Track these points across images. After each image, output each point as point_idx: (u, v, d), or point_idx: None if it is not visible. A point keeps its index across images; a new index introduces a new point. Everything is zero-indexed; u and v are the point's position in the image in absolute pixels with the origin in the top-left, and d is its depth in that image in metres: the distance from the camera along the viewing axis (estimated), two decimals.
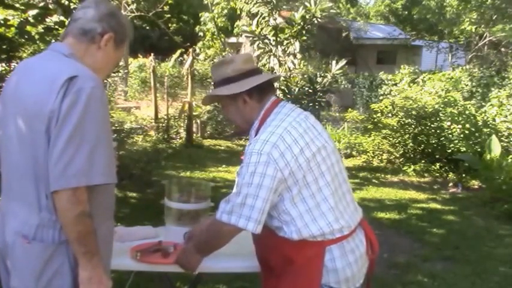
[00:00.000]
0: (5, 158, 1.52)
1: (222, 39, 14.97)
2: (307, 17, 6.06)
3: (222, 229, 1.66)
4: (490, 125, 7.57)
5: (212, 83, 1.87)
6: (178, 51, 13.20)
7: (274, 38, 6.18)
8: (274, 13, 6.24)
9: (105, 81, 7.89)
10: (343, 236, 1.70)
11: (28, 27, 4.66)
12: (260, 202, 1.59)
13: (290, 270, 1.69)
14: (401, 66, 12.93)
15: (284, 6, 7.63)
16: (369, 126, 8.74)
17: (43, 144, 1.36)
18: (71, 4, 4.63)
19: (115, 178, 1.45)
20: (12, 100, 1.48)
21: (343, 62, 6.11)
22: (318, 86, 5.96)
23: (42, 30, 4.82)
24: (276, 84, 1.93)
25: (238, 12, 9.87)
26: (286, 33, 6.28)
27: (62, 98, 1.34)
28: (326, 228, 1.66)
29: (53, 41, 7.08)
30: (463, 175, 7.23)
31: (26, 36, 4.74)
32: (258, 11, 6.31)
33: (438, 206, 6.05)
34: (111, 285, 1.46)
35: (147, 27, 19.65)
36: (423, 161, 7.90)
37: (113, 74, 7.78)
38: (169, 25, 20.43)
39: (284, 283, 1.71)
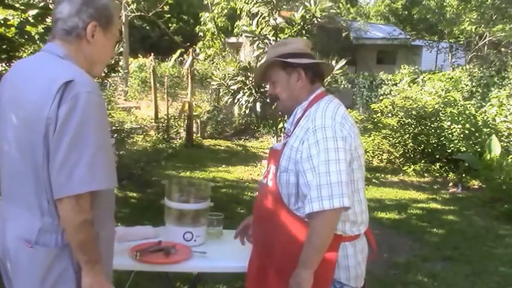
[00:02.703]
0: (4, 163, 1.49)
1: (222, 39, 14.97)
2: (307, 17, 6.06)
3: (329, 218, 1.57)
4: (490, 125, 7.58)
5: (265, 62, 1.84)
6: (178, 51, 13.22)
7: (274, 38, 6.18)
8: (274, 13, 6.23)
9: (105, 81, 7.89)
10: (357, 235, 1.73)
11: (28, 27, 4.66)
12: (347, 176, 1.59)
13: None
14: (402, 66, 12.92)
15: (284, 6, 7.62)
16: (368, 126, 8.74)
17: (41, 149, 1.34)
18: None
19: (116, 182, 1.44)
20: (10, 103, 1.45)
21: (343, 62, 6.11)
22: None
23: (42, 30, 4.82)
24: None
25: (238, 12, 9.88)
26: (286, 33, 6.28)
27: (58, 103, 1.32)
28: (352, 217, 1.68)
29: None
30: (463, 175, 7.23)
31: (26, 36, 4.74)
32: (258, 11, 6.31)
33: (438, 206, 6.06)
34: None
35: (147, 27, 19.65)
36: (423, 161, 7.90)
37: (112, 74, 7.77)
38: (169, 25, 20.43)
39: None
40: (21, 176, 1.42)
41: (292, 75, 1.76)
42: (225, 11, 14.41)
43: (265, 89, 6.43)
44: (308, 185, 1.59)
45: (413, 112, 8.12)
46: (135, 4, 11.45)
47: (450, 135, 7.51)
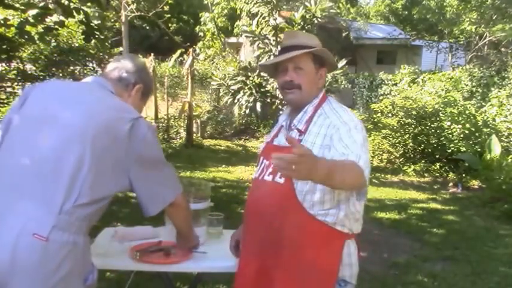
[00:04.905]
0: (24, 155, 1.49)
1: (222, 39, 14.95)
2: (307, 17, 6.07)
3: (360, 173, 1.55)
4: (490, 125, 7.58)
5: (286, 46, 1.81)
6: (178, 51, 13.17)
7: (274, 38, 6.18)
8: (274, 13, 6.24)
9: None
10: (353, 234, 1.73)
11: (28, 27, 4.66)
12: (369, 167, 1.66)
13: (314, 265, 1.65)
14: (401, 66, 12.92)
15: (284, 6, 7.63)
16: (369, 126, 8.74)
17: (110, 160, 1.54)
18: (71, 4, 4.63)
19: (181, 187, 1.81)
20: (57, 111, 1.56)
21: (343, 62, 6.11)
22: None
23: (42, 30, 4.82)
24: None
25: (238, 12, 9.87)
26: None
27: (136, 133, 1.57)
28: (357, 215, 1.72)
29: (53, 40, 7.07)
30: (463, 175, 7.24)
31: (26, 36, 4.74)
32: (258, 11, 6.32)
33: (438, 206, 6.06)
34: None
35: (147, 27, 19.64)
36: (423, 161, 7.91)
37: None
38: (169, 25, 20.41)
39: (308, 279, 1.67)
40: (51, 172, 1.47)
41: (319, 72, 1.79)
42: (225, 11, 14.40)
43: (266, 89, 6.43)
44: (344, 154, 1.57)
45: (413, 112, 8.13)
46: (135, 4, 11.43)
47: (450, 135, 7.52)
